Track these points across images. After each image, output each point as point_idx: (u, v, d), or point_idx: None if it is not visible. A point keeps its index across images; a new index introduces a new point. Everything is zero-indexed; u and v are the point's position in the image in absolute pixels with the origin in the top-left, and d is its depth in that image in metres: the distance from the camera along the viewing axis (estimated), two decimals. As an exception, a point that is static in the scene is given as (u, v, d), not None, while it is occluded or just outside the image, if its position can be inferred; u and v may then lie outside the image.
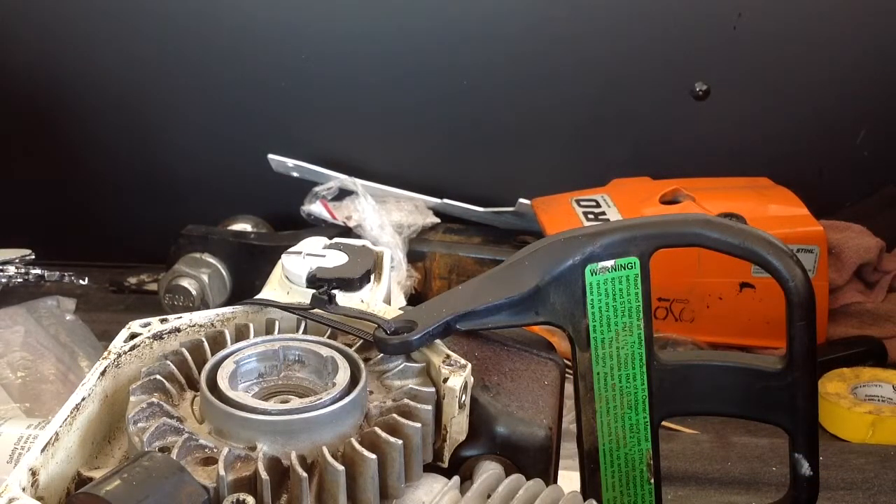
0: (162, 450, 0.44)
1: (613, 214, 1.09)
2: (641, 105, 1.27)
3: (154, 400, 0.47)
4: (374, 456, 0.44)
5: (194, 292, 1.12)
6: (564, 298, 0.55)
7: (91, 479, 0.43)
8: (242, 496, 0.42)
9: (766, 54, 1.23)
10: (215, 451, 0.45)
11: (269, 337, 0.52)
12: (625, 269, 0.55)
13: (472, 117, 1.28)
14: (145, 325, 0.54)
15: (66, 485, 0.46)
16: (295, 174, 1.25)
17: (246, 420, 0.45)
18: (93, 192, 1.31)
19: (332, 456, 0.44)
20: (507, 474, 0.49)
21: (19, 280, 1.11)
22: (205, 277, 1.13)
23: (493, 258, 1.13)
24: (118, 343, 0.52)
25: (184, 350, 0.51)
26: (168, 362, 0.50)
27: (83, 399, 0.48)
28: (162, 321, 0.54)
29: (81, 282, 1.13)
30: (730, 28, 1.22)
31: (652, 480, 0.58)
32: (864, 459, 0.87)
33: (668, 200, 1.10)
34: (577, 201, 1.12)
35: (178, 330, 0.54)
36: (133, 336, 0.53)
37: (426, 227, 1.19)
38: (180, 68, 1.26)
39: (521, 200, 1.21)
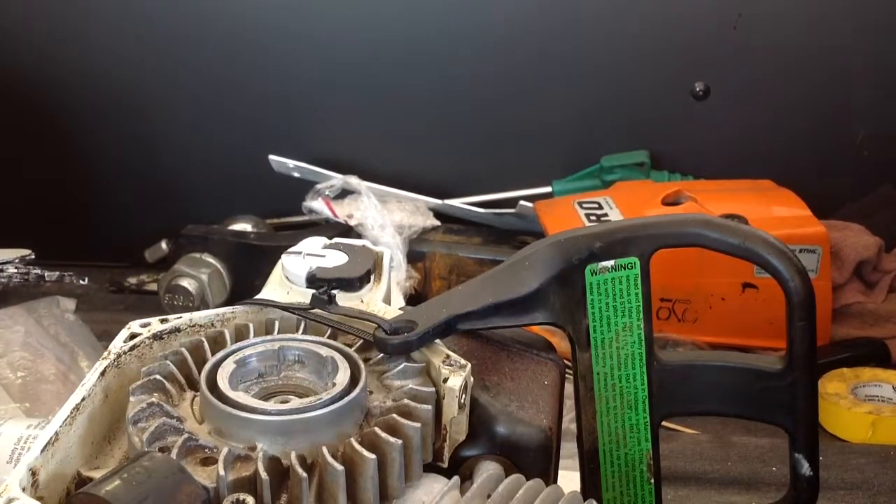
0: (162, 450, 0.44)
1: (616, 216, 1.09)
2: (641, 105, 1.27)
3: (154, 400, 0.47)
4: (373, 456, 0.44)
5: (194, 292, 1.12)
6: (564, 298, 0.55)
7: (91, 479, 0.43)
8: (242, 496, 0.42)
9: (766, 54, 1.23)
10: (215, 451, 0.45)
11: (268, 337, 0.52)
12: (625, 269, 0.55)
13: (473, 118, 1.28)
14: (145, 325, 0.54)
15: (66, 485, 0.46)
16: (296, 175, 1.25)
17: (246, 420, 0.45)
18: (93, 192, 1.31)
19: (332, 456, 0.44)
20: (507, 474, 0.49)
21: (19, 280, 1.11)
22: (204, 277, 1.13)
23: (494, 258, 1.13)
24: (118, 343, 0.52)
25: (184, 350, 0.51)
26: (168, 362, 0.50)
27: (83, 399, 0.48)
28: (162, 321, 0.54)
29: (81, 282, 1.13)
30: (730, 28, 1.22)
31: (652, 480, 0.58)
32: (864, 459, 0.87)
33: (671, 202, 1.10)
34: (580, 203, 1.13)
35: (177, 330, 0.54)
36: (133, 336, 0.53)
37: (426, 229, 1.19)
38: (181, 69, 1.26)
39: (522, 203, 1.21)
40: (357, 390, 0.47)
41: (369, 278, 0.59)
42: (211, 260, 1.15)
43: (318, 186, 1.19)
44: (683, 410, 0.58)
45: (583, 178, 1.25)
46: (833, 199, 1.23)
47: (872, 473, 0.85)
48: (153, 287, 1.21)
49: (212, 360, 0.49)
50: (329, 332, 0.54)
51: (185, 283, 1.12)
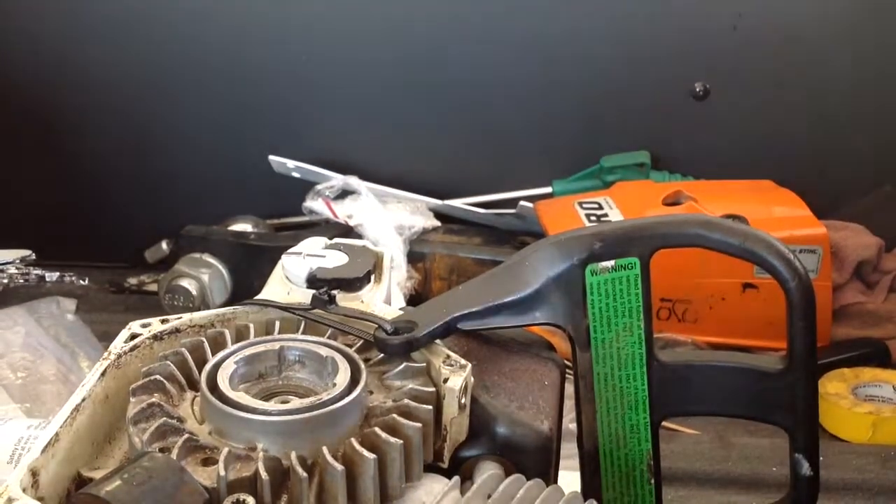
0: (162, 450, 0.44)
1: (616, 217, 1.09)
2: (641, 105, 1.27)
3: (154, 400, 0.47)
4: (373, 456, 0.44)
5: (194, 292, 1.12)
6: (565, 299, 0.55)
7: (91, 480, 0.43)
8: (242, 496, 0.42)
9: (766, 54, 1.23)
10: (215, 451, 0.45)
11: (269, 337, 0.52)
12: (625, 269, 0.55)
13: (472, 118, 1.28)
14: (145, 326, 0.54)
15: (67, 485, 0.46)
16: (296, 175, 1.25)
17: (246, 420, 0.45)
18: (93, 192, 1.31)
19: (333, 456, 0.44)
20: (508, 475, 0.49)
21: (20, 280, 1.11)
22: (205, 278, 1.13)
23: (494, 259, 1.13)
24: (118, 343, 0.52)
25: (184, 350, 0.51)
26: (168, 363, 0.50)
27: (83, 399, 0.48)
28: (162, 321, 0.54)
29: (82, 282, 1.13)
30: (730, 28, 1.22)
31: (652, 481, 0.58)
32: (865, 460, 0.87)
33: (671, 202, 1.10)
34: (580, 203, 1.13)
35: (178, 330, 0.54)
36: (133, 336, 0.53)
37: (427, 230, 1.19)
38: (181, 69, 1.26)
39: (523, 203, 1.21)
40: (357, 391, 0.47)
41: (369, 279, 0.59)
42: (211, 260, 1.15)
43: (318, 187, 1.19)
44: (683, 410, 0.58)
45: (583, 178, 1.25)
46: (833, 199, 1.23)
47: (873, 474, 0.85)
48: (153, 287, 1.20)
49: (212, 361, 0.49)
50: (329, 332, 0.54)
51: (186, 283, 1.12)
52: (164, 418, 0.46)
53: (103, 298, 1.22)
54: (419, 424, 0.47)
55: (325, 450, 0.44)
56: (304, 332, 0.54)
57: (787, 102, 1.25)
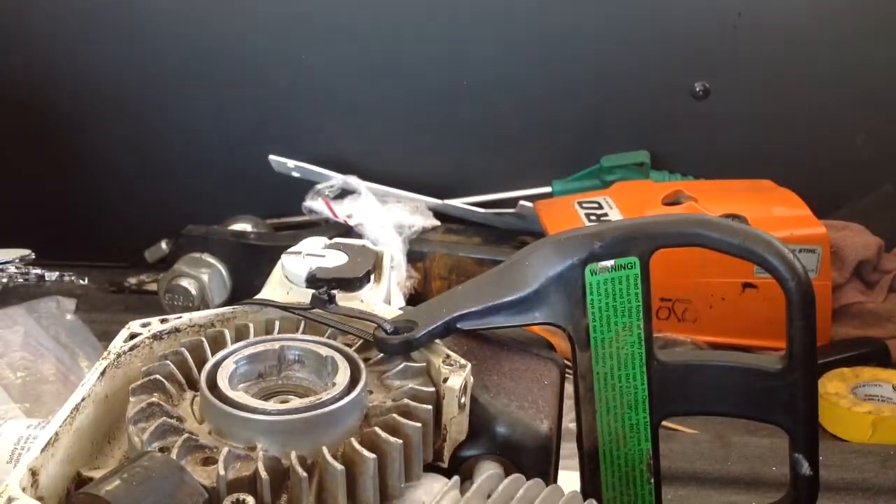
0: (162, 450, 0.44)
1: (616, 216, 1.09)
2: (641, 105, 1.27)
3: (154, 400, 0.47)
4: (373, 456, 0.44)
5: (194, 292, 1.12)
6: (564, 298, 0.55)
7: (91, 479, 0.43)
8: (242, 496, 0.42)
9: (766, 54, 1.23)
10: (215, 451, 0.45)
11: (268, 337, 0.52)
12: (625, 268, 0.55)
13: (472, 118, 1.28)
14: (145, 325, 0.54)
15: (66, 485, 0.46)
16: (296, 175, 1.25)
17: (246, 420, 0.45)
18: (93, 192, 1.31)
19: (332, 456, 0.44)
20: (507, 474, 0.49)
21: (19, 280, 1.11)
22: (205, 277, 1.13)
23: (493, 259, 1.13)
24: (118, 343, 0.52)
25: (184, 350, 0.51)
26: (168, 362, 0.50)
27: (83, 399, 0.48)
28: (162, 321, 0.54)
29: (81, 282, 1.13)
30: (730, 28, 1.22)
31: (652, 480, 0.58)
32: (864, 459, 0.87)
33: (671, 202, 1.10)
34: (580, 203, 1.13)
35: (177, 330, 0.54)
36: (133, 336, 0.53)
37: (426, 229, 1.19)
38: (181, 69, 1.26)
39: (522, 203, 1.21)
40: (357, 390, 0.47)
41: (369, 278, 0.60)
42: (211, 260, 1.15)
43: (318, 186, 1.19)
44: (683, 410, 0.58)
45: (583, 178, 1.26)
46: (833, 199, 1.23)
47: (872, 473, 0.85)
48: (153, 287, 1.20)
49: (212, 360, 0.49)
50: (329, 332, 0.54)
51: (186, 283, 1.12)
52: (164, 418, 0.46)
53: (103, 298, 1.22)
54: (419, 424, 0.47)
55: (324, 449, 0.44)
56: (303, 332, 0.54)
57: (787, 102, 1.25)
